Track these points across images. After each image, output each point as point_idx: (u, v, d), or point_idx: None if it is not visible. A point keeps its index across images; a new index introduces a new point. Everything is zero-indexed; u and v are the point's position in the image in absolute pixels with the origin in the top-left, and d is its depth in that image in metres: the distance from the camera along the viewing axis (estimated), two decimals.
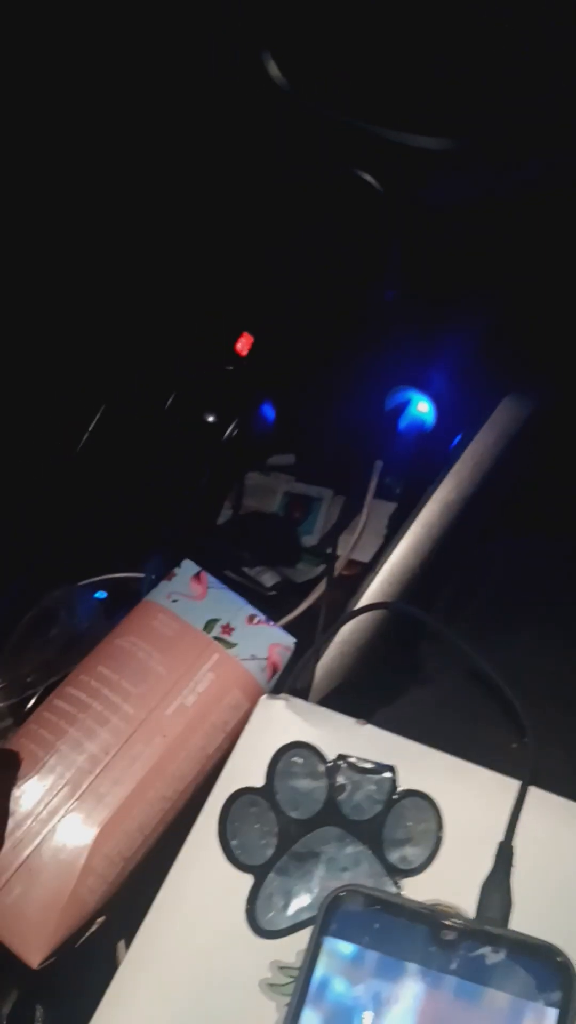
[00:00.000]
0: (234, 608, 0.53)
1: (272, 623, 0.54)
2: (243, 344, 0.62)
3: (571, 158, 0.48)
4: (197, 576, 0.54)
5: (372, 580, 0.57)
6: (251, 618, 0.53)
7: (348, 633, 0.56)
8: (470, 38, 0.47)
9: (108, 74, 0.54)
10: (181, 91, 0.56)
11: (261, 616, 0.53)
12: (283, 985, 0.42)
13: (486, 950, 0.41)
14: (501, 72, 0.47)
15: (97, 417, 0.58)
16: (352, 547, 0.66)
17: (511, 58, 0.46)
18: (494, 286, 0.61)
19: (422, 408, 0.66)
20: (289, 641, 0.53)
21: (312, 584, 0.66)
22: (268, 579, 0.65)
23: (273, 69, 0.51)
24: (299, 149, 0.53)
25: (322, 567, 0.67)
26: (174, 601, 0.53)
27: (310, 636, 0.56)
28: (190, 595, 0.53)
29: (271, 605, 0.59)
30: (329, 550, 0.66)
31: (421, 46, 0.48)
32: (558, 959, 0.40)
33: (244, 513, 0.70)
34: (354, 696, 0.53)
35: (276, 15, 0.51)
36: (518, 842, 0.44)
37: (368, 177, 0.51)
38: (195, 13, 0.53)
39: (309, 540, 0.70)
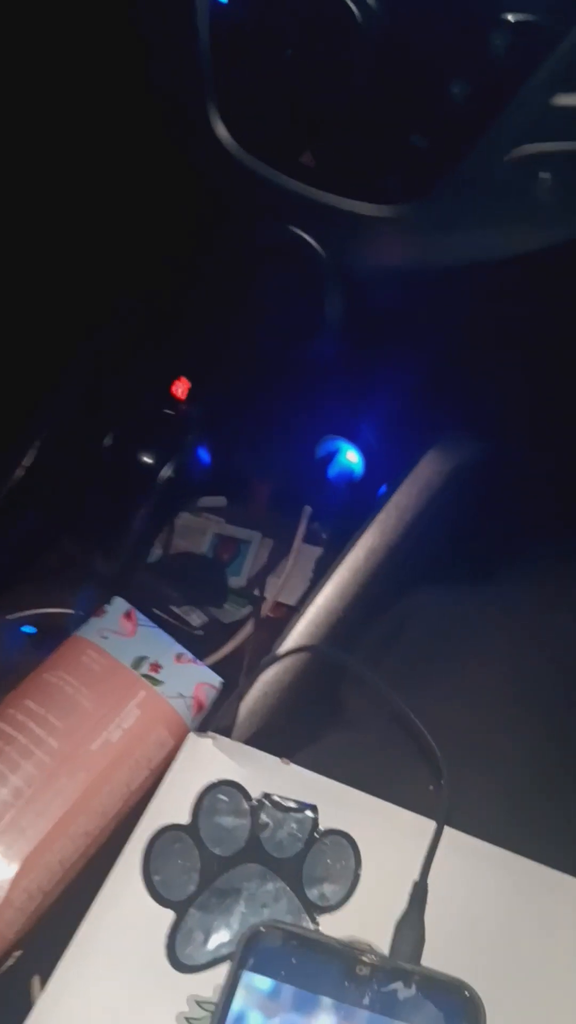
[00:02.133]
0: (162, 646, 0.55)
1: (199, 662, 0.55)
2: (180, 389, 0.65)
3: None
4: (127, 614, 0.56)
5: (297, 623, 0.60)
6: (179, 657, 0.55)
7: (273, 674, 0.58)
8: (410, 113, 0.51)
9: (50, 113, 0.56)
10: (128, 145, 0.59)
11: (188, 655, 0.55)
12: (200, 1019, 0.44)
13: (398, 985, 0.43)
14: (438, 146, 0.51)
15: (33, 452, 0.60)
16: (279, 590, 0.69)
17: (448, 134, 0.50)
18: (424, 342, 0.65)
19: (351, 458, 0.69)
20: (215, 680, 0.55)
21: (239, 625, 0.68)
22: (196, 619, 0.66)
23: (221, 130, 0.54)
24: (241, 207, 0.56)
25: (249, 609, 0.69)
26: (104, 637, 0.54)
27: (236, 676, 0.58)
28: (119, 632, 0.55)
29: (198, 645, 0.61)
30: (256, 592, 0.69)
31: (366, 116, 0.52)
32: (466, 994, 0.42)
33: (174, 553, 0.72)
34: (278, 736, 0.55)
35: (227, 77, 0.54)
36: (432, 881, 0.47)
37: (309, 239, 0.55)
38: (143, 75, 0.56)
39: (237, 581, 0.72)
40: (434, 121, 0.51)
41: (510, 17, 0.47)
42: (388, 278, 0.57)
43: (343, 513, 0.68)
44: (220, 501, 0.75)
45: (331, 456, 0.69)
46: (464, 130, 0.50)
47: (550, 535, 0.62)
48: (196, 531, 0.74)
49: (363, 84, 0.50)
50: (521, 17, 0.47)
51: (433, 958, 0.44)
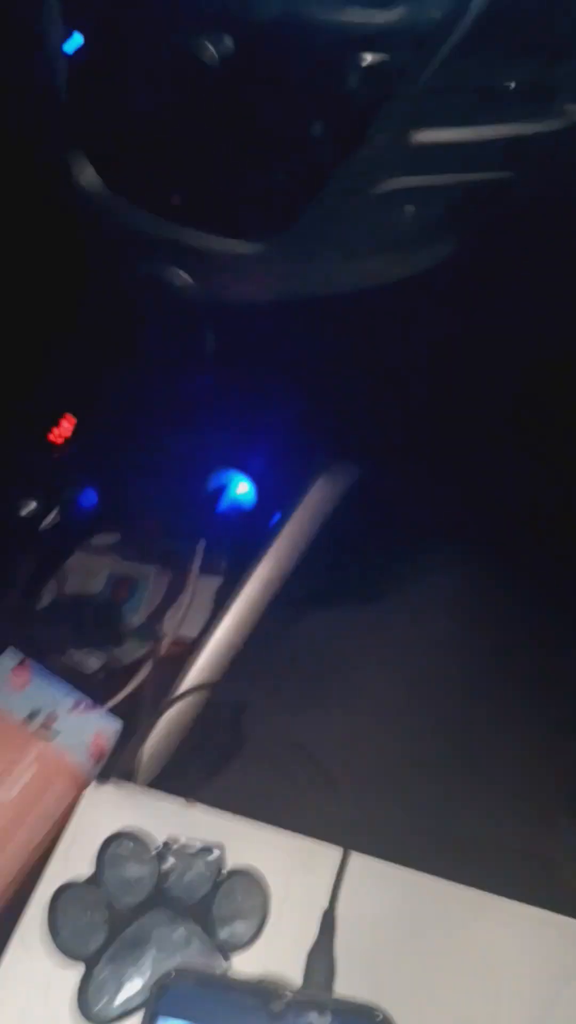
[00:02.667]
0: (58, 696, 0.54)
1: (97, 708, 0.55)
2: (65, 427, 0.64)
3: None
4: (19, 666, 0.55)
5: (195, 660, 0.60)
6: (75, 705, 0.54)
7: (174, 714, 0.58)
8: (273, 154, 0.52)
9: None
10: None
11: (87, 702, 0.54)
12: None
13: (313, 1016, 0.43)
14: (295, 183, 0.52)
15: None
16: (178, 625, 0.69)
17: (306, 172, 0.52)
18: (301, 371, 0.66)
19: (242, 488, 0.70)
20: (114, 726, 0.55)
21: (138, 664, 0.67)
22: (92, 662, 0.66)
23: (88, 175, 0.54)
24: (113, 248, 0.57)
25: (148, 646, 0.69)
26: None
27: (137, 717, 0.58)
28: (11, 687, 0.54)
29: (97, 688, 0.61)
30: (154, 629, 0.68)
31: (228, 156, 0.53)
32: (378, 1018, 0.43)
33: (68, 596, 0.71)
34: (181, 776, 0.55)
35: (88, 122, 0.54)
36: (340, 907, 0.47)
37: (183, 278, 0.55)
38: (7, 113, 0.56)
39: (134, 620, 0.71)
40: (295, 158, 0.52)
41: (365, 58, 0.49)
42: (261, 310, 0.58)
43: (238, 543, 0.68)
44: (113, 538, 0.74)
45: (222, 488, 0.70)
46: (323, 166, 0.51)
47: (429, 549, 0.64)
48: (90, 571, 0.73)
49: (223, 125, 0.51)
50: (374, 58, 0.49)
51: (347, 983, 0.45)
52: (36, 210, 0.58)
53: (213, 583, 0.72)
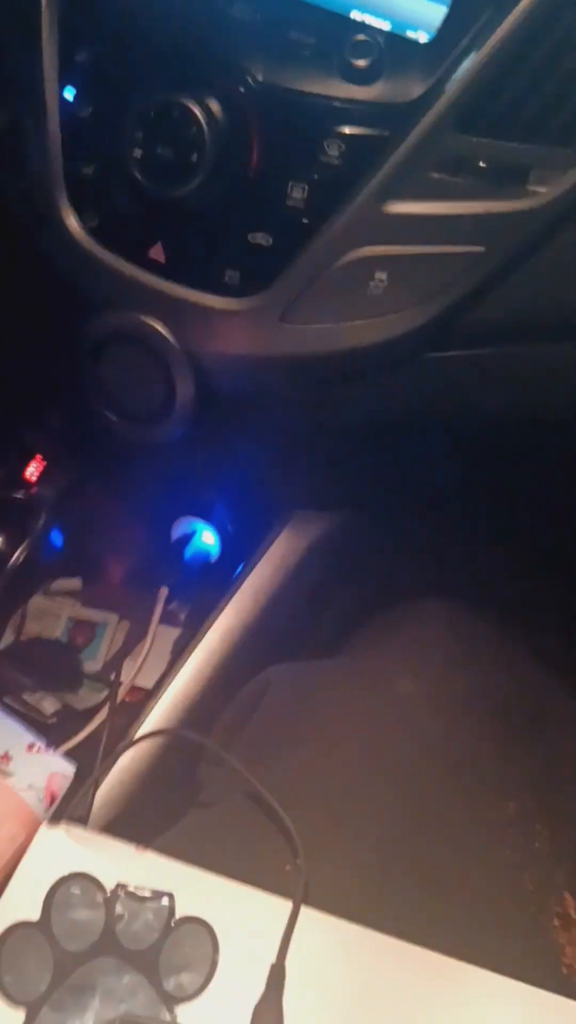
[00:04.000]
0: (13, 736, 0.54)
1: (51, 751, 0.55)
2: (34, 469, 0.65)
3: None
4: None
5: (154, 706, 0.60)
6: (30, 746, 0.54)
7: (129, 760, 0.58)
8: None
9: None
10: None
11: (41, 743, 0.54)
12: None
13: None
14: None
15: None
16: (136, 673, 0.69)
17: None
18: (272, 424, 0.68)
19: (207, 538, 0.71)
20: (69, 769, 0.55)
21: (95, 710, 0.67)
22: (49, 706, 0.66)
23: (71, 222, 0.56)
24: (93, 296, 0.58)
25: (105, 693, 0.69)
26: None
27: (92, 762, 0.58)
28: None
29: (52, 732, 0.61)
30: (112, 676, 0.69)
31: (210, 214, 0.55)
32: None
33: (27, 638, 0.71)
34: (134, 822, 0.55)
35: (77, 171, 0.56)
36: (290, 961, 0.47)
37: (161, 329, 0.57)
38: None
39: (92, 665, 0.72)
40: (273, 221, 0.54)
41: (345, 129, 0.52)
42: (236, 366, 0.60)
43: (200, 594, 0.69)
44: (75, 583, 0.75)
45: (187, 537, 0.71)
46: (301, 231, 0.54)
47: (394, 606, 0.65)
48: (50, 615, 0.74)
49: (206, 185, 0.54)
50: (354, 130, 0.52)
51: None
52: (16, 255, 0.60)
53: (173, 633, 0.73)
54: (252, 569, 0.65)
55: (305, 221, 0.53)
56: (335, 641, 0.63)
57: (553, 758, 0.59)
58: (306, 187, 0.53)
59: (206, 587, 0.69)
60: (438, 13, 0.50)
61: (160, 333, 0.57)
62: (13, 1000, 0.45)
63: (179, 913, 0.48)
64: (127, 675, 0.69)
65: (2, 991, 0.45)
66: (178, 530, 0.72)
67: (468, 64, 0.49)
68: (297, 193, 0.53)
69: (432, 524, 0.67)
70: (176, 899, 0.49)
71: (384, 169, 0.52)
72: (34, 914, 0.48)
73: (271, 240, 0.55)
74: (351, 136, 0.52)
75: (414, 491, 0.66)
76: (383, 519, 0.68)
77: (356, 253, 0.54)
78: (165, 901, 0.49)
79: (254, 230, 0.55)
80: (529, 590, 0.68)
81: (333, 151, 0.52)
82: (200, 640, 0.63)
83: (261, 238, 0.55)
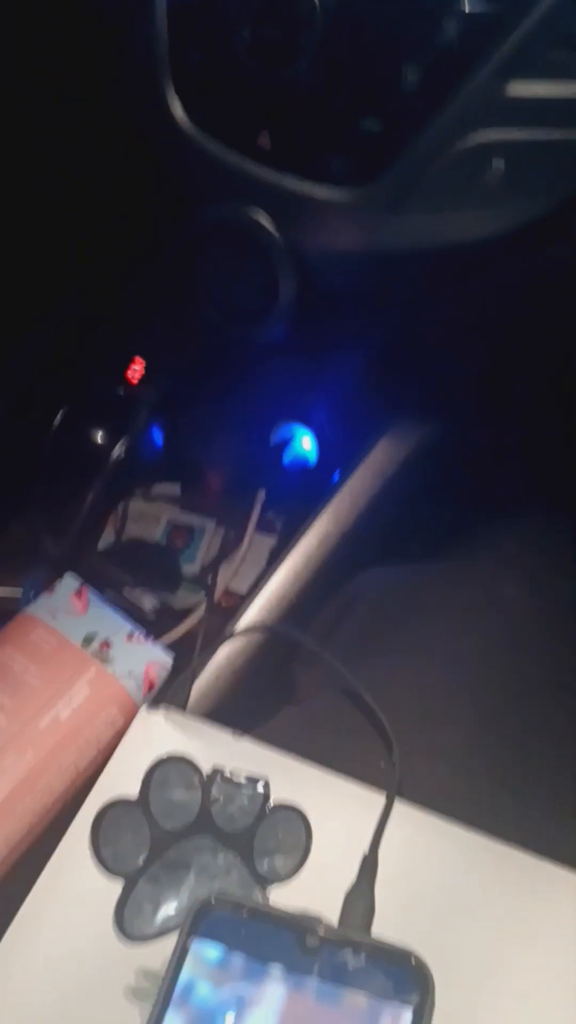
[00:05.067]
0: (113, 625, 0.55)
1: (150, 641, 0.56)
2: (135, 370, 0.65)
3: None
4: (78, 591, 0.56)
5: (250, 604, 0.61)
6: (130, 636, 0.55)
7: (226, 654, 0.59)
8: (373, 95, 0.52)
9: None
10: (81, 119, 0.60)
11: (140, 634, 0.55)
12: (147, 990, 0.44)
13: (347, 955, 0.44)
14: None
15: None
16: (231, 577, 0.70)
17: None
18: (376, 326, 0.67)
19: (305, 444, 0.71)
20: (166, 659, 0.56)
21: (192, 611, 0.68)
22: (148, 604, 0.67)
23: (177, 110, 0.55)
24: (196, 187, 0.58)
25: (202, 595, 0.70)
26: (53, 615, 0.55)
27: (187, 659, 0.59)
28: (70, 610, 0.55)
29: (151, 628, 0.62)
30: (209, 578, 0.69)
31: (320, 99, 0.53)
32: (414, 963, 0.43)
33: (128, 539, 0.72)
34: (231, 713, 0.56)
35: (183, 57, 0.55)
36: (382, 853, 0.47)
37: (265, 222, 0.56)
38: (103, 45, 0.57)
39: (190, 569, 0.72)
40: (386, 105, 0.52)
41: (464, 6, 0.49)
42: (341, 261, 0.58)
43: (297, 500, 0.69)
44: (174, 488, 0.75)
45: (286, 443, 0.70)
46: (415, 115, 0.51)
47: (497, 514, 0.64)
48: (150, 518, 0.74)
49: (316, 67, 0.52)
50: (474, 6, 0.49)
51: (383, 929, 0.45)
52: (123, 142, 0.59)
53: (269, 542, 0.73)
54: (350, 475, 0.64)
55: (419, 104, 0.51)
56: (434, 548, 0.62)
57: None
58: (421, 68, 0.51)
59: (304, 493, 0.69)
60: None
61: (264, 226, 0.56)
62: (111, 871, 0.47)
63: (274, 799, 0.49)
64: (223, 579, 0.70)
65: (101, 863, 0.47)
66: (277, 435, 0.71)
67: None
68: (411, 75, 0.51)
69: (534, 434, 0.65)
70: (271, 786, 0.49)
71: (504, 47, 0.49)
72: (133, 792, 0.49)
73: (382, 126, 0.53)
74: (472, 12, 0.49)
75: (514, 400, 0.64)
76: (483, 429, 0.66)
77: (472, 138, 0.51)
78: (260, 787, 0.49)
79: (365, 115, 0.53)
80: None
81: (451, 28, 0.50)
82: (298, 542, 0.62)
83: (372, 123, 0.53)
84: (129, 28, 0.55)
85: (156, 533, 0.74)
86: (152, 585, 0.69)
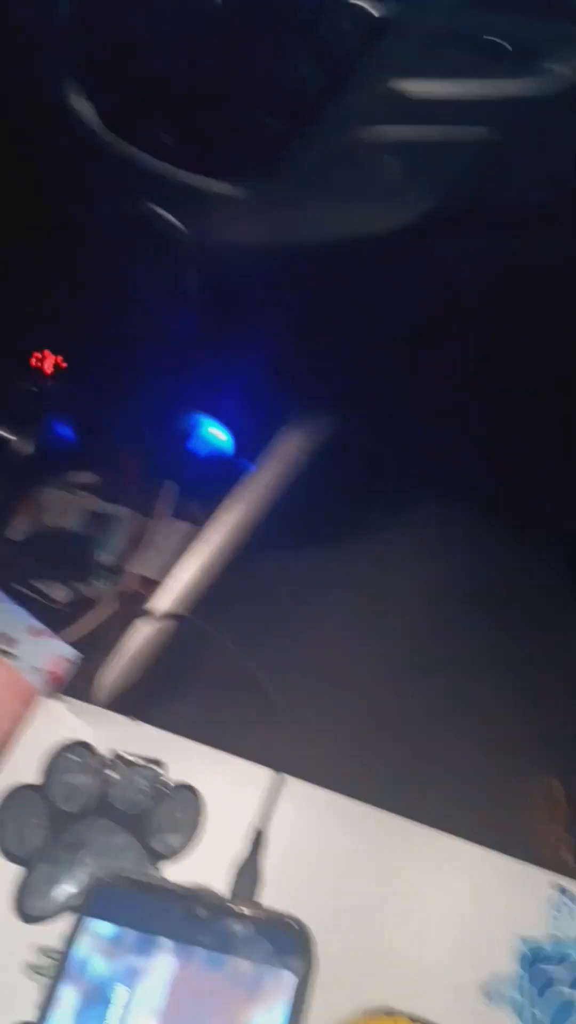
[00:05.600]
0: (17, 621, 0.56)
1: (55, 636, 0.57)
2: (47, 363, 0.66)
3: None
4: None
5: (159, 594, 0.62)
6: (34, 631, 0.56)
7: (132, 641, 0.60)
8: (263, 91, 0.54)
9: None
10: None
11: (45, 629, 0.57)
12: (45, 968, 0.46)
13: (234, 923, 0.46)
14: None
15: None
16: (144, 564, 0.71)
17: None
18: (283, 318, 0.68)
19: (218, 435, 0.72)
20: (71, 654, 0.57)
21: (104, 597, 0.70)
22: (61, 594, 0.68)
23: (82, 107, 0.56)
24: (99, 181, 0.59)
25: (115, 584, 0.71)
26: None
27: (98, 644, 0.61)
28: None
29: (62, 618, 0.63)
30: (123, 567, 0.71)
31: (217, 94, 0.55)
32: (295, 927, 0.46)
33: (42, 528, 0.73)
34: (133, 699, 0.57)
35: (87, 53, 0.56)
36: (272, 829, 0.50)
37: (170, 217, 0.57)
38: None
39: (105, 557, 0.74)
40: (281, 101, 0.54)
41: (361, 5, 0.51)
42: (242, 254, 0.60)
43: (211, 489, 0.71)
44: (91, 477, 0.76)
45: (199, 433, 0.72)
46: (309, 111, 0.53)
47: (393, 503, 0.66)
48: (66, 507, 0.75)
49: (216, 64, 0.53)
50: (371, 6, 0.51)
51: (273, 898, 0.48)
52: (29, 141, 0.60)
53: (182, 528, 0.74)
54: (262, 465, 0.66)
55: (314, 101, 0.53)
56: (343, 535, 0.64)
57: (541, 648, 0.60)
58: (315, 62, 0.52)
59: (216, 483, 0.70)
60: None
61: (171, 223, 0.58)
62: (11, 856, 0.48)
63: (169, 780, 0.51)
64: (134, 566, 0.71)
65: (2, 847, 0.48)
66: (190, 425, 0.73)
67: None
68: (305, 69, 0.53)
69: (434, 429, 0.67)
70: (167, 767, 0.51)
71: (393, 44, 0.51)
72: (34, 778, 0.51)
73: (279, 120, 0.54)
74: (361, 9, 0.51)
75: (417, 396, 0.67)
76: (391, 423, 0.68)
77: (366, 135, 0.53)
78: (157, 768, 0.51)
79: (263, 111, 0.54)
80: (520, 493, 0.68)
81: (345, 24, 0.51)
82: (208, 534, 0.64)
83: (270, 119, 0.54)
84: (31, 21, 0.56)
85: (72, 522, 0.75)
86: (64, 576, 0.70)
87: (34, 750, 0.52)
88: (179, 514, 0.73)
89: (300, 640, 0.58)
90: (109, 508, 0.76)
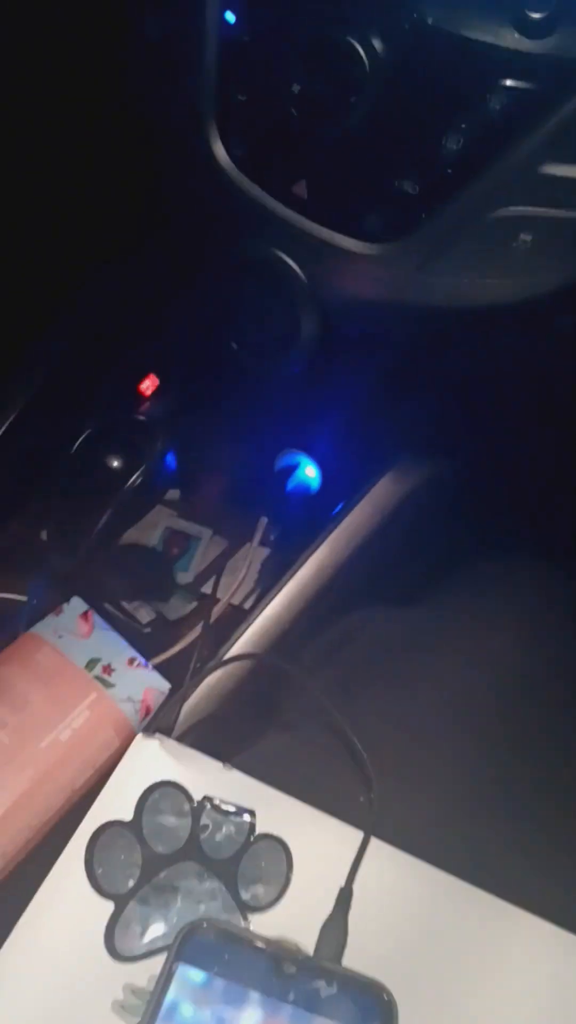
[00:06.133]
0: (116, 649, 0.58)
1: (150, 667, 0.59)
2: (148, 386, 0.67)
3: None
4: (84, 614, 0.59)
5: (244, 630, 0.64)
6: (131, 661, 0.58)
7: (216, 679, 0.62)
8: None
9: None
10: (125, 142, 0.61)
11: (141, 660, 0.59)
12: (134, 1007, 0.48)
13: (321, 983, 0.48)
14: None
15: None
16: (231, 593, 0.72)
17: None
18: (389, 365, 0.69)
19: (309, 472, 0.73)
20: (164, 685, 0.59)
21: (185, 622, 0.71)
22: (144, 615, 0.70)
23: (219, 151, 0.57)
24: (230, 224, 0.59)
25: (194, 605, 0.73)
26: (59, 637, 0.58)
27: (182, 676, 0.62)
28: (76, 632, 0.58)
29: (145, 641, 0.65)
30: (207, 591, 0.72)
31: (361, 155, 0.55)
32: (384, 996, 0.48)
33: (123, 544, 0.75)
34: (219, 737, 0.59)
35: (230, 99, 0.56)
36: (357, 888, 0.52)
37: (292, 264, 0.58)
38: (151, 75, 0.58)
39: (184, 577, 0.75)
40: (424, 169, 0.54)
41: (510, 82, 0.51)
42: (364, 309, 0.60)
43: (298, 524, 0.72)
44: (174, 494, 0.78)
45: (290, 469, 0.73)
46: (451, 182, 0.53)
47: (495, 561, 0.67)
48: (147, 523, 0.77)
49: (362, 126, 0.53)
50: (519, 84, 0.51)
51: (355, 960, 0.49)
52: (162, 175, 0.60)
53: (263, 553, 0.76)
54: (351, 508, 0.67)
55: (457, 172, 0.53)
56: (430, 590, 0.65)
57: None
58: (462, 138, 0.53)
59: (304, 519, 0.71)
60: None
61: (293, 270, 0.58)
62: (103, 893, 0.50)
63: (258, 830, 0.53)
64: (223, 593, 0.73)
65: (94, 883, 0.51)
66: (282, 461, 0.74)
67: None
68: (452, 143, 0.53)
69: (538, 485, 0.68)
70: (256, 817, 0.53)
71: (545, 127, 0.51)
72: (126, 816, 0.53)
73: (419, 188, 0.55)
74: (516, 90, 0.51)
75: (522, 454, 0.67)
76: (487, 473, 0.69)
77: (504, 211, 0.53)
78: (247, 817, 0.53)
79: (403, 176, 0.55)
80: None
81: (495, 103, 0.52)
82: (295, 572, 0.65)
83: (409, 185, 0.55)
84: (179, 60, 0.56)
85: (153, 538, 0.76)
86: (145, 592, 0.71)
87: (127, 787, 0.54)
88: (263, 542, 0.74)
89: (391, 694, 0.59)
90: (192, 527, 0.77)
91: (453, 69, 0.52)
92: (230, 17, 0.55)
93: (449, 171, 0.53)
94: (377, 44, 0.52)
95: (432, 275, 0.56)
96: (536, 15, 0.49)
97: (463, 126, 0.52)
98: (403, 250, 0.56)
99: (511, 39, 0.50)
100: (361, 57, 0.52)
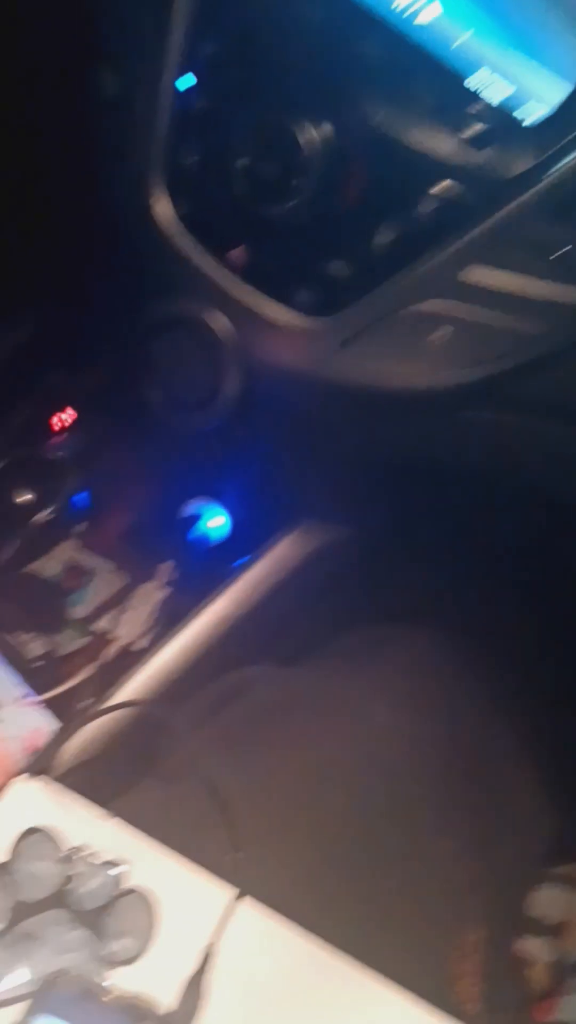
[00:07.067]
0: (6, 687, 0.58)
1: (39, 705, 0.59)
2: (66, 418, 0.68)
3: None
4: None
5: (133, 675, 0.65)
6: (20, 698, 0.58)
7: (101, 722, 0.63)
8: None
9: None
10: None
11: (31, 697, 0.59)
12: None
13: None
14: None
15: None
16: (122, 628, 0.73)
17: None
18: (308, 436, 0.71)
19: (216, 523, 0.75)
20: (52, 725, 0.59)
21: (76, 656, 0.72)
22: (36, 647, 0.70)
23: (162, 202, 0.58)
24: (162, 278, 0.61)
25: (88, 639, 0.73)
26: None
27: (72, 711, 0.63)
28: None
29: (37, 676, 0.65)
30: (100, 626, 0.73)
31: (298, 233, 0.57)
32: None
33: (21, 572, 0.74)
34: (100, 780, 0.60)
35: (177, 161, 0.58)
36: (224, 946, 0.53)
37: (220, 327, 0.60)
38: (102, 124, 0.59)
39: (80, 611, 0.75)
40: (355, 256, 0.57)
41: (443, 189, 0.54)
42: (288, 379, 0.63)
43: (200, 572, 0.73)
44: (80, 525, 0.78)
45: (196, 517, 0.74)
46: (379, 272, 0.56)
47: (388, 630, 0.70)
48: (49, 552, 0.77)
49: (301, 207, 0.56)
50: (453, 192, 0.54)
51: (215, 1016, 0.51)
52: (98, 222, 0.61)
53: (162, 597, 0.76)
54: (254, 562, 0.69)
55: (385, 264, 0.56)
56: (322, 652, 0.68)
57: (505, 809, 0.65)
58: (393, 234, 0.56)
59: (206, 567, 0.73)
60: (561, 91, 0.52)
61: (223, 331, 0.60)
62: None
63: (131, 881, 0.54)
64: (111, 627, 0.73)
65: None
66: (188, 509, 0.75)
67: None
68: (384, 237, 0.56)
69: (441, 562, 0.72)
70: (127, 870, 0.54)
71: (470, 235, 0.54)
72: (1, 857, 0.53)
73: (349, 272, 0.57)
74: (448, 197, 0.54)
75: (429, 530, 0.70)
76: (392, 545, 0.72)
77: (428, 303, 0.56)
78: (117, 870, 0.54)
79: (336, 258, 0.57)
80: (527, 638, 0.73)
81: (427, 207, 0.55)
82: (191, 620, 0.67)
83: (341, 267, 0.57)
84: (129, 115, 0.58)
85: (52, 568, 0.76)
86: (36, 624, 0.72)
87: (2, 829, 0.54)
88: (169, 589, 0.75)
89: (270, 758, 0.61)
90: (93, 561, 0.77)
91: (390, 170, 0.55)
92: (187, 81, 0.57)
93: (378, 262, 0.56)
94: (327, 135, 0.55)
95: (355, 354, 0.59)
96: (473, 129, 0.53)
97: (394, 223, 0.56)
98: (329, 326, 0.58)
99: (449, 149, 0.54)
100: (310, 145, 0.54)
